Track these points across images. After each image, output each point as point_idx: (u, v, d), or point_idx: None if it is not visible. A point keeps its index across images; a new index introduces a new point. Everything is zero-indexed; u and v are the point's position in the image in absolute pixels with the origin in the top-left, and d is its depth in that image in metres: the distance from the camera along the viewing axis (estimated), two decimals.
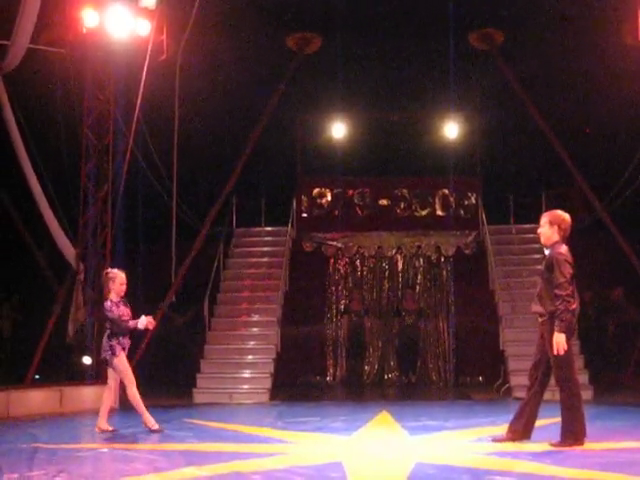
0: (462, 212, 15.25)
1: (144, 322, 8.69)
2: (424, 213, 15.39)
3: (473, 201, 15.31)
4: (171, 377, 14.19)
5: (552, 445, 7.08)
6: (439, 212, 15.36)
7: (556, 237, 7.35)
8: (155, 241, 13.97)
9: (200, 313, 13.96)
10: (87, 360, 11.86)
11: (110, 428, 8.64)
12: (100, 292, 11.78)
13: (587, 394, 12.28)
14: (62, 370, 12.44)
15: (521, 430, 7.36)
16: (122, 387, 9.21)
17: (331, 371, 16.20)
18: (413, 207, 15.38)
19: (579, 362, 12.87)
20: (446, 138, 15.60)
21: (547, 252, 7.37)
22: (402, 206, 15.40)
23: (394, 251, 15.84)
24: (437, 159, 15.21)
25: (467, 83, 14.23)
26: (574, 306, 7.16)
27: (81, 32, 11.54)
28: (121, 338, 8.58)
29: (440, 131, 15.68)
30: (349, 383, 15.64)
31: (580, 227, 15.04)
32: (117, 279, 8.75)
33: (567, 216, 7.47)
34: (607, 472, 5.85)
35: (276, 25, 13.63)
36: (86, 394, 11.38)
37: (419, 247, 15.81)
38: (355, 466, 6.35)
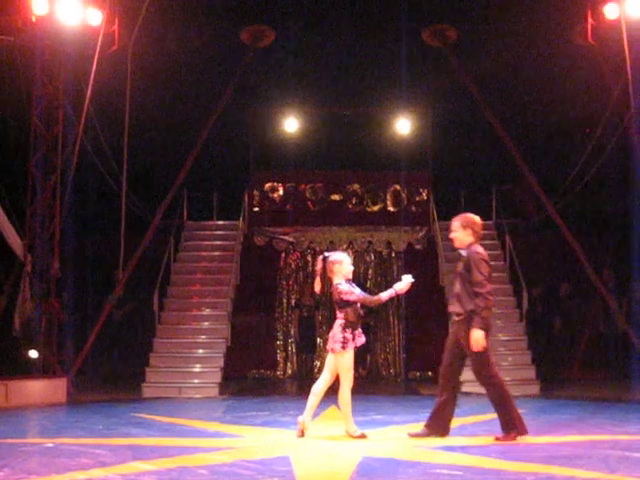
0: (413, 208, 15.35)
1: (403, 284, 7.58)
2: (376, 208, 15.46)
3: (424, 197, 15.42)
4: (119, 371, 14.08)
5: (497, 439, 7.18)
6: (390, 208, 15.43)
7: (471, 239, 7.46)
8: (105, 233, 13.82)
9: (140, 306, 13.87)
10: (34, 354, 11.69)
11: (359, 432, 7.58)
12: (48, 284, 11.72)
13: (534, 389, 12.48)
14: (8, 364, 12.25)
15: (438, 427, 7.45)
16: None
17: (282, 366, 16.19)
18: (365, 202, 15.46)
19: (526, 358, 13.05)
20: (398, 134, 15.71)
21: (463, 253, 7.44)
22: (354, 201, 15.46)
23: (345, 246, 15.87)
24: (389, 155, 15.29)
25: (419, 79, 14.31)
26: (492, 303, 7.27)
27: (30, 20, 11.38)
28: (356, 331, 7.52)
29: (392, 127, 15.79)
30: (300, 378, 15.66)
31: (529, 224, 15.30)
32: (345, 260, 7.62)
33: (478, 218, 7.62)
34: (551, 465, 5.93)
35: (229, 18, 13.57)
36: (33, 388, 11.20)
37: (370, 242, 15.87)
38: (302, 460, 6.35)
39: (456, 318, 7.42)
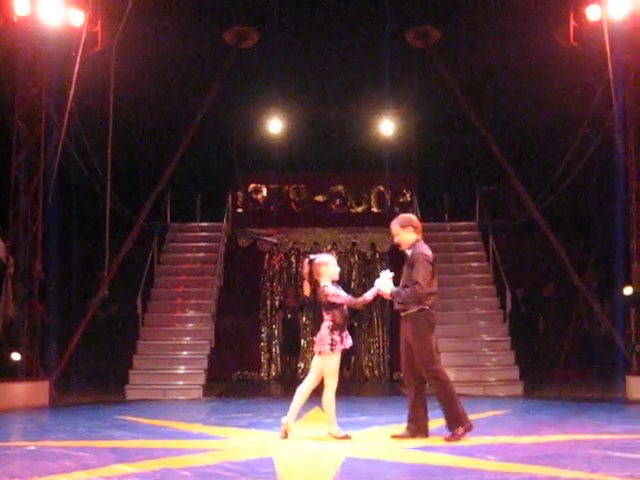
0: (397, 209, 15.35)
1: (381, 282, 7.51)
2: (359, 209, 15.51)
3: (408, 198, 15.47)
4: (103, 373, 14.01)
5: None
6: (374, 209, 15.49)
7: (414, 236, 7.48)
8: (88, 235, 13.75)
9: (124, 308, 13.81)
10: (16, 356, 11.61)
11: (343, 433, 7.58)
12: (31, 286, 11.64)
13: (518, 389, 12.52)
14: None
15: (418, 428, 7.45)
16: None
17: (265, 367, 16.17)
18: (349, 203, 15.51)
19: (510, 358, 13.08)
20: (382, 135, 15.74)
21: (409, 252, 7.45)
22: (338, 202, 15.51)
23: (329, 247, 15.89)
24: (373, 156, 15.33)
25: (403, 80, 14.32)
26: (430, 301, 7.32)
27: (12, 20, 11.30)
28: (343, 333, 7.50)
29: (376, 128, 15.83)
30: (283, 379, 15.65)
31: (513, 225, 15.36)
32: (330, 262, 7.65)
33: (412, 215, 7.78)
34: (534, 465, 5.93)
35: (213, 19, 13.53)
36: (15, 391, 11.14)
37: (354, 243, 15.91)
38: (285, 461, 6.34)
39: (402, 314, 7.43)
